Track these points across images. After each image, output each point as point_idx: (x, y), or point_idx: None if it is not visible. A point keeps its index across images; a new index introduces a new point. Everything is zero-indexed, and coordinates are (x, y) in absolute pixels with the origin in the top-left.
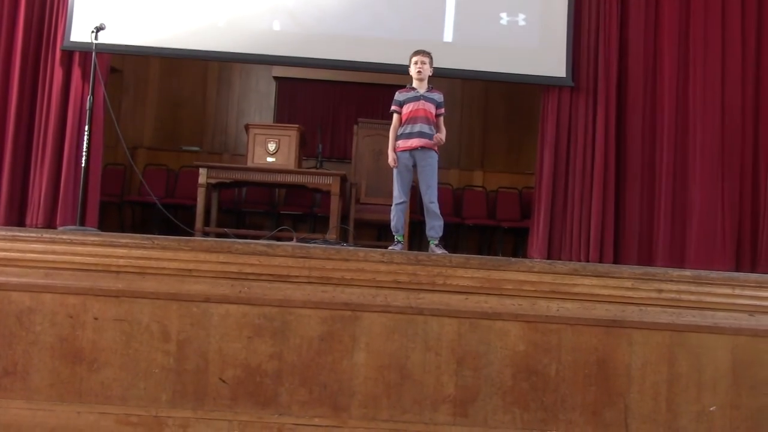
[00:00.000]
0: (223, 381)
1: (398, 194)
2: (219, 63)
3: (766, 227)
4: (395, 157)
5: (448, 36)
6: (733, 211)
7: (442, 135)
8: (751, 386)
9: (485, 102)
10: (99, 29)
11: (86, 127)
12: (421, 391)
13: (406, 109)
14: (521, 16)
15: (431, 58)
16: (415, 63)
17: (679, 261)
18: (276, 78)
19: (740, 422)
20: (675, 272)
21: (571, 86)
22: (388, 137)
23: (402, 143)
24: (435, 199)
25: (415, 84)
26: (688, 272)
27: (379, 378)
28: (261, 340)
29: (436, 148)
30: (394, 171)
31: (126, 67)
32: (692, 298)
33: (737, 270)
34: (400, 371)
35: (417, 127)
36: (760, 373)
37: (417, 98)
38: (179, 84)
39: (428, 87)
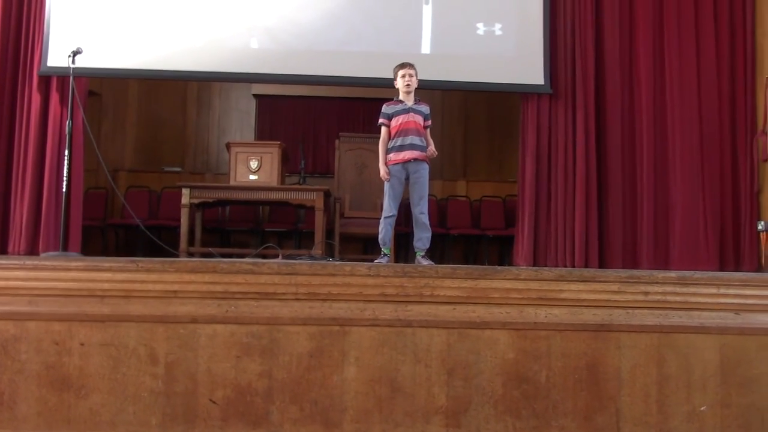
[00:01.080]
0: (213, 402)
1: (388, 207)
2: (198, 83)
3: (748, 226)
4: (387, 170)
5: (425, 48)
6: (715, 211)
7: (432, 147)
8: (740, 384)
9: (466, 112)
10: (76, 53)
11: (66, 152)
12: (412, 403)
13: (396, 122)
14: (497, 26)
15: (416, 70)
16: (403, 76)
17: (664, 263)
18: (256, 96)
19: (731, 420)
20: (660, 274)
21: (549, 93)
22: (369, 150)
23: (394, 156)
24: (426, 210)
25: (402, 97)
26: (673, 274)
27: (370, 392)
28: (250, 358)
29: (428, 160)
30: (386, 184)
31: (104, 91)
32: (678, 299)
33: (721, 269)
34: (391, 384)
35: (408, 140)
36: (748, 371)
37: (406, 111)
38: (159, 105)
39: (415, 99)
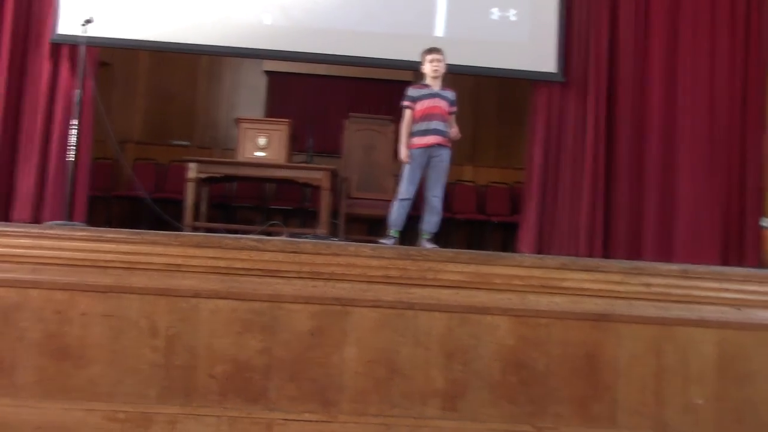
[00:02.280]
0: (212, 377)
1: (405, 190)
2: (209, 57)
3: (753, 221)
4: (408, 153)
5: (439, 30)
6: (721, 205)
7: (456, 129)
8: (736, 379)
9: (476, 97)
10: (88, 22)
11: (75, 121)
12: (410, 385)
13: (420, 105)
14: (512, 11)
15: (444, 56)
16: (431, 61)
17: (667, 255)
18: (267, 72)
19: (726, 414)
20: (663, 266)
21: (561, 81)
22: (378, 132)
23: (417, 140)
24: (441, 195)
25: (429, 81)
26: (675, 266)
27: (369, 373)
28: (250, 335)
29: (449, 145)
30: (406, 167)
31: (115, 61)
32: (680, 292)
33: (724, 264)
34: (390, 366)
35: (433, 125)
36: (745, 366)
37: (432, 95)
38: (169, 78)
39: (441, 85)
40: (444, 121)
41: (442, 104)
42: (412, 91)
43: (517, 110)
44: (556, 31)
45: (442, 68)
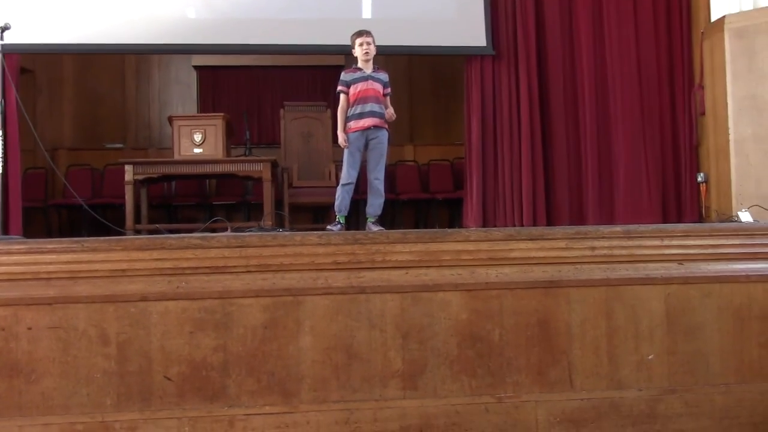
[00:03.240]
0: (168, 378)
1: (347, 175)
2: (136, 56)
3: (688, 178)
4: (346, 137)
5: (366, 12)
6: (656, 164)
7: (391, 110)
8: (684, 332)
9: (410, 76)
10: (4, 29)
11: (0, 132)
12: (369, 369)
13: (354, 89)
14: None
15: (374, 38)
16: (361, 44)
17: (609, 217)
18: (196, 67)
19: (677, 367)
20: (606, 229)
21: (492, 54)
22: (315, 119)
23: (354, 124)
24: (382, 176)
25: (360, 65)
26: (618, 228)
27: (327, 360)
28: (204, 333)
29: (387, 126)
30: (345, 151)
31: (37, 67)
32: (624, 252)
33: (664, 221)
34: (347, 351)
35: (368, 107)
36: (692, 318)
37: (365, 78)
38: (96, 80)
39: (374, 67)
40: (379, 103)
41: (376, 86)
42: (345, 76)
43: (452, 86)
44: (482, 5)
45: (372, 50)
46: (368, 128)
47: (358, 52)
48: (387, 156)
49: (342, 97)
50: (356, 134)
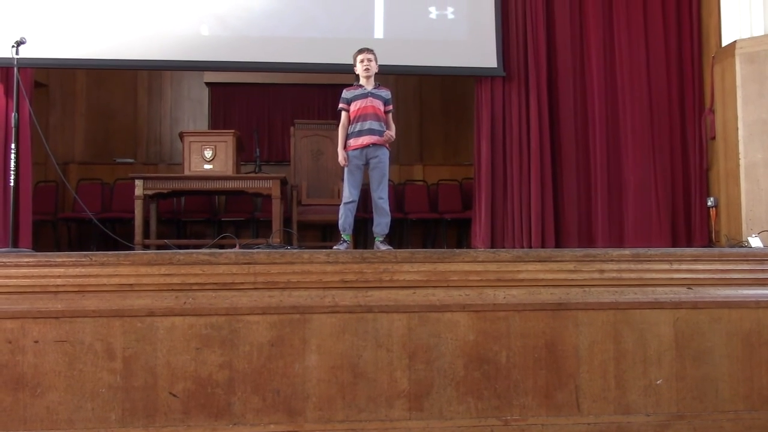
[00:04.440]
0: (174, 395)
1: (348, 193)
2: (149, 72)
3: (698, 202)
4: (346, 155)
5: (378, 32)
6: (666, 188)
7: (392, 131)
8: (693, 357)
9: (420, 96)
10: (20, 43)
11: (13, 145)
12: (375, 388)
13: (354, 106)
14: (450, 9)
15: (375, 55)
16: (362, 61)
17: (618, 240)
18: (208, 84)
19: (686, 392)
20: (615, 252)
21: (502, 76)
22: (325, 137)
23: (353, 142)
24: (385, 195)
25: (362, 81)
26: (627, 251)
27: (333, 379)
28: (210, 350)
29: (387, 145)
30: (345, 170)
31: (51, 81)
32: (633, 275)
33: (674, 245)
34: (353, 370)
35: (367, 125)
36: (701, 343)
37: (365, 95)
38: (108, 95)
39: (375, 84)
40: (379, 120)
41: (376, 103)
42: (346, 93)
43: (462, 107)
44: (494, 27)
45: (373, 67)
46: (367, 146)
47: (359, 68)
48: (391, 174)
49: (343, 114)
50: (355, 152)
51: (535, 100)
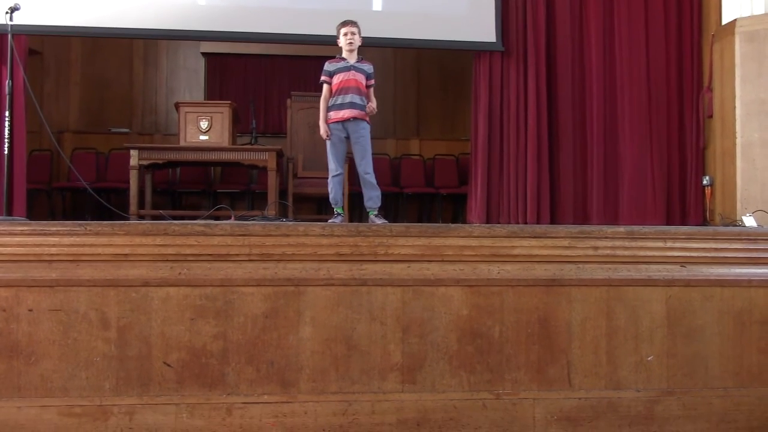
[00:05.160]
0: (168, 365)
1: (334, 166)
2: (144, 41)
3: (694, 180)
4: (327, 128)
5: (377, 5)
6: (662, 166)
7: (373, 104)
8: (685, 334)
9: (418, 70)
10: (14, 9)
11: (6, 113)
12: (368, 361)
13: (336, 79)
14: None
15: (359, 28)
16: (345, 34)
17: (613, 218)
18: (204, 54)
19: (676, 369)
20: (609, 229)
21: (501, 51)
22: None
23: (333, 114)
24: (370, 170)
25: (345, 54)
26: (621, 228)
27: (326, 351)
28: (204, 321)
29: (367, 119)
30: (328, 143)
31: (46, 49)
32: (627, 253)
33: (668, 223)
34: (347, 343)
35: (348, 98)
36: (692, 321)
37: (347, 68)
38: (104, 64)
39: (358, 58)
40: (360, 94)
41: (358, 77)
42: (328, 66)
43: (460, 82)
44: (493, 1)
45: (356, 41)
46: (347, 120)
47: (342, 41)
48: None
49: (325, 87)
50: (336, 125)
51: (534, 75)
